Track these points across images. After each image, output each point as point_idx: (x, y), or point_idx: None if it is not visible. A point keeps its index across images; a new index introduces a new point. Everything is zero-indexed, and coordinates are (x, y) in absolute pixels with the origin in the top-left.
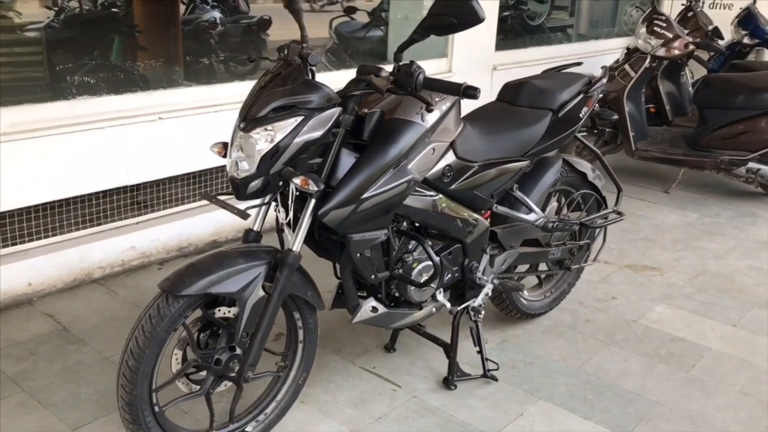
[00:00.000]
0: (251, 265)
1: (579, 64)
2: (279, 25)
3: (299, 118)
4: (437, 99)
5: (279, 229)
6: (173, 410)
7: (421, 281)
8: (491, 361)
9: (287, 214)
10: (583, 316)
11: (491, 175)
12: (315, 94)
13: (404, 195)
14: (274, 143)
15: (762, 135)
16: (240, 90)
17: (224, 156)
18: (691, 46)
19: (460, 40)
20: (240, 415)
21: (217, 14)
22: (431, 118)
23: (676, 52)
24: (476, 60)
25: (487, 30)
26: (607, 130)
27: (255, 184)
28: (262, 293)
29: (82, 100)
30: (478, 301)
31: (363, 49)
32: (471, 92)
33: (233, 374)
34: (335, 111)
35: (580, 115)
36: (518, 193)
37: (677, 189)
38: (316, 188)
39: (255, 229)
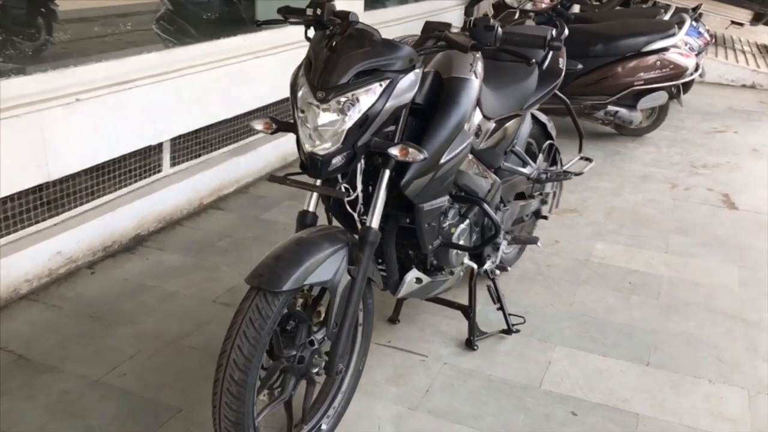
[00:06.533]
0: (335, 248)
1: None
2: None
3: (385, 82)
4: None
5: (328, 209)
6: None
7: (469, 244)
8: (515, 315)
9: (353, 191)
10: (542, 262)
11: (506, 131)
12: (397, 54)
13: (464, 158)
14: (362, 112)
15: (619, 80)
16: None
17: (272, 133)
18: (556, 0)
19: None
20: (310, 413)
21: None
22: (480, 75)
23: (544, 5)
24: None
25: None
26: None
27: (338, 159)
28: (348, 277)
29: None
30: (497, 260)
31: (211, 14)
32: (557, 44)
33: (316, 371)
34: (418, 72)
35: (560, 66)
36: (517, 148)
37: None
38: (421, 156)
39: (310, 210)
